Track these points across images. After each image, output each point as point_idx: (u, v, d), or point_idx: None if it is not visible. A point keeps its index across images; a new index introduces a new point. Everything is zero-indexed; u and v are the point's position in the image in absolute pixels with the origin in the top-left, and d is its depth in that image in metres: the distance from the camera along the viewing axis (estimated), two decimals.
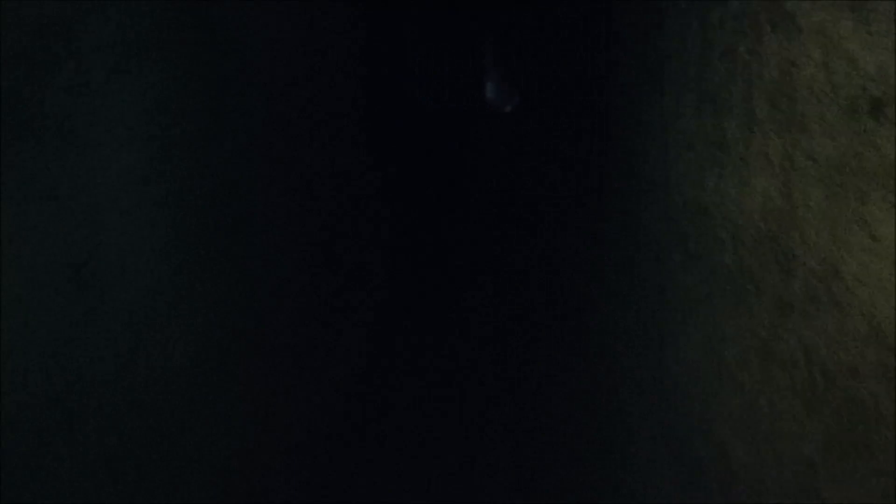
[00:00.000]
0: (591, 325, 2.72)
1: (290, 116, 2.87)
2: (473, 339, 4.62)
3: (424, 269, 5.54)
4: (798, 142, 0.71)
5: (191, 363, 1.97)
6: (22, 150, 1.20)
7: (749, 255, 0.92)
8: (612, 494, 2.23)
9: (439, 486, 3.23)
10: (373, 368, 4.23)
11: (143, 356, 1.74)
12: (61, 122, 1.30)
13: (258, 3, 2.46)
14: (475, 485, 3.24)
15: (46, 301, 1.34)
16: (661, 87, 1.61)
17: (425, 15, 5.92)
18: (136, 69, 1.64)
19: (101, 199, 1.50)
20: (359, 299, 4.25)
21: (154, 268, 1.74)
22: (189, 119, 1.90)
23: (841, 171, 0.66)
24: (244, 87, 2.34)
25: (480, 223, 5.99)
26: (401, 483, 3.26)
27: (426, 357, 4.42)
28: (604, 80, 2.66)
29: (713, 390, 1.06)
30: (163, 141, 1.78)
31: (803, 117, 0.71)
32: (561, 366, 3.20)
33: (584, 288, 2.86)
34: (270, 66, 2.60)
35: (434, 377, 4.17)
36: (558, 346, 3.26)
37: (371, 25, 4.55)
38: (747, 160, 0.92)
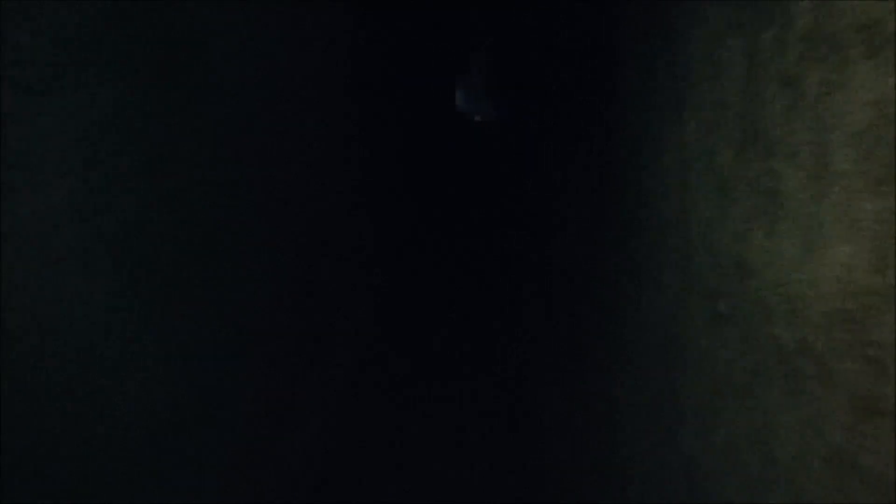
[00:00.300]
0: (591, 378, 2.56)
1: (270, 127, 2.71)
2: (474, 344, 4.50)
3: (424, 275, 5.41)
4: None
5: (158, 419, 1.82)
6: None
7: (816, 336, 0.71)
8: None
9: (440, 487, 3.12)
10: (371, 370, 4.11)
11: (87, 430, 1.51)
12: None
13: (229, 4, 2.28)
14: (475, 486, 3.13)
15: None
16: (680, 114, 1.34)
17: (407, 19, 5.71)
18: (75, 83, 1.37)
19: (27, 242, 1.31)
20: (353, 310, 4.12)
21: (99, 322, 1.53)
22: (142, 141, 1.71)
23: None
24: (213, 100, 2.15)
25: (473, 237, 5.83)
26: (401, 483, 3.15)
27: (423, 362, 4.30)
28: (604, 97, 2.48)
29: (763, 498, 0.84)
30: (108, 168, 1.50)
31: None
32: (558, 431, 2.91)
33: (581, 334, 2.71)
34: (244, 74, 2.42)
35: (430, 380, 4.05)
36: (556, 394, 3.14)
37: (357, 28, 4.37)
38: (819, 219, 0.71)
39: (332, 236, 3.54)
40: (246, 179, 2.35)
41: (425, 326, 4.65)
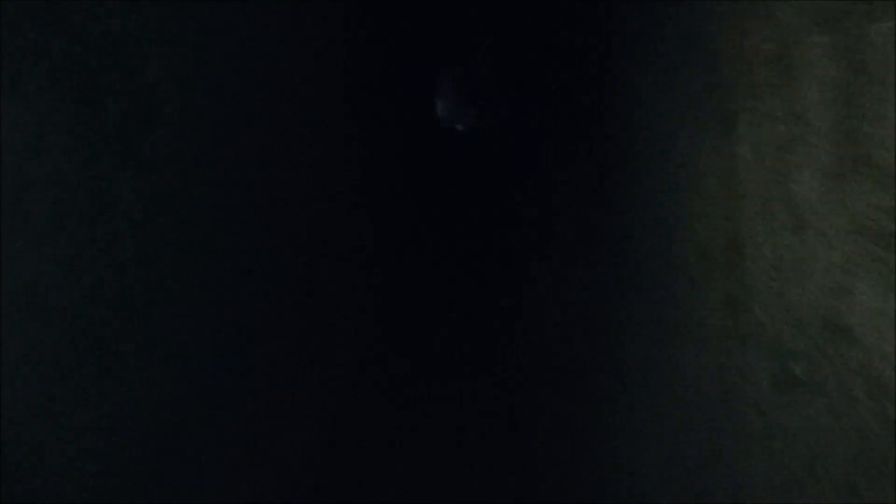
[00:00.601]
0: (590, 378, 2.47)
1: (270, 127, 2.70)
2: (473, 345, 4.49)
3: (424, 275, 5.40)
4: None
5: (158, 419, 1.81)
6: None
7: None
8: None
9: (440, 487, 3.11)
10: (371, 370, 4.10)
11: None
12: None
13: (229, 4, 2.27)
14: (474, 487, 3.13)
15: None
16: (727, 129, 1.09)
17: (407, 19, 5.65)
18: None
19: (25, 240, 1.25)
20: (352, 314, 4.11)
21: (99, 321, 1.48)
22: (142, 140, 1.70)
23: None
24: (213, 100, 2.15)
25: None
26: (401, 483, 3.15)
27: (423, 362, 4.29)
28: (609, 102, 2.39)
29: None
30: (107, 168, 1.48)
31: None
32: None
33: (582, 333, 2.66)
34: (244, 74, 2.41)
35: (430, 380, 4.05)
36: (556, 394, 3.13)
37: (357, 28, 4.36)
38: None
39: (332, 236, 3.53)
40: (246, 179, 2.35)
41: (425, 326, 4.64)
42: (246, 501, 2.43)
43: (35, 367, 1.26)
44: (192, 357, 1.92)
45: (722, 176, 1.17)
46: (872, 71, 0.73)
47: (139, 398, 1.64)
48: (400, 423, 3.57)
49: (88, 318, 1.42)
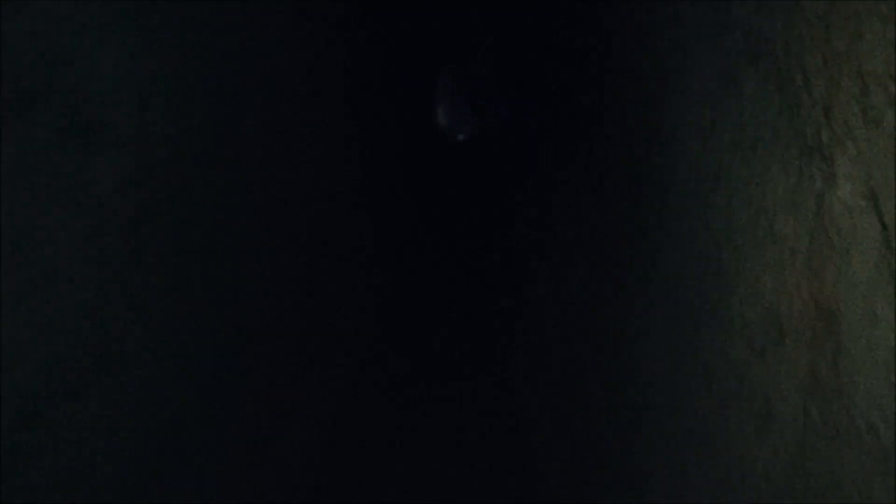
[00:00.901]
0: (593, 379, 2.44)
1: (270, 127, 2.70)
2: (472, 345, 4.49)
3: (424, 275, 5.41)
4: None
5: (158, 419, 1.80)
6: None
7: None
8: None
9: (440, 487, 3.12)
10: (371, 370, 4.11)
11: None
12: None
13: (229, 4, 2.27)
14: (475, 487, 3.13)
15: None
16: (816, 168, 0.87)
17: (408, 19, 5.62)
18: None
19: (24, 243, 1.26)
20: (353, 314, 4.11)
21: (99, 321, 1.48)
22: (142, 141, 1.68)
23: None
24: (213, 100, 2.14)
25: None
26: (401, 483, 3.15)
27: (423, 362, 4.29)
28: (614, 106, 2.36)
29: None
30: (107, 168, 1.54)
31: None
32: None
33: (584, 335, 2.67)
34: (244, 74, 2.41)
35: (430, 380, 4.05)
36: (556, 395, 3.13)
37: (357, 28, 4.35)
38: None
39: (332, 236, 3.54)
40: (246, 179, 2.35)
41: (425, 326, 4.64)
42: (246, 501, 2.43)
43: (35, 367, 1.26)
44: (192, 357, 1.93)
45: (806, 221, 0.92)
46: None
47: (139, 398, 1.64)
48: (400, 423, 3.57)
49: (88, 318, 1.42)
